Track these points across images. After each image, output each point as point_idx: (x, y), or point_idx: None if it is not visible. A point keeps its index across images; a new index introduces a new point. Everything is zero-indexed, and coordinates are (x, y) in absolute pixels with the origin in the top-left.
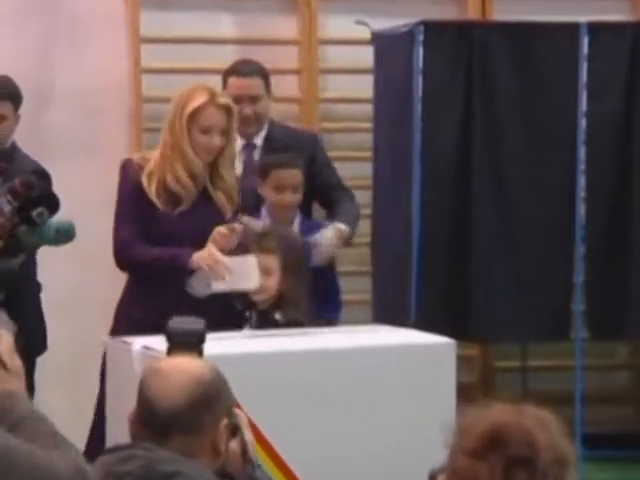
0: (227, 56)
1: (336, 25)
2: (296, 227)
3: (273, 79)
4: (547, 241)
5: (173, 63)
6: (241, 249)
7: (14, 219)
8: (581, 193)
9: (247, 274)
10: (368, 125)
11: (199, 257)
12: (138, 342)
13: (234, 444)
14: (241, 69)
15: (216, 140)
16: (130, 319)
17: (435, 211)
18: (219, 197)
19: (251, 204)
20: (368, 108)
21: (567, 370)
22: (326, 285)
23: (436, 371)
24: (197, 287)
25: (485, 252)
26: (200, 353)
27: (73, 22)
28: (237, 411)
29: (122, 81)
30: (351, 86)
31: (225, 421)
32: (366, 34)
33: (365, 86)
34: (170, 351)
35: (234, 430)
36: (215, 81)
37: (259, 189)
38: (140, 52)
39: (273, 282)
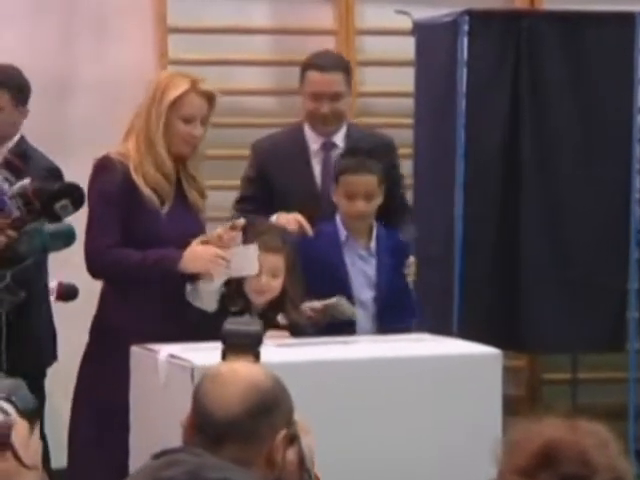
0: (259, 47)
1: (375, 14)
2: (374, 240)
3: None
4: (600, 245)
5: (202, 54)
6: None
7: (25, 221)
8: (636, 194)
9: (247, 262)
10: (408, 121)
11: (196, 259)
12: (164, 350)
13: (291, 454)
14: (321, 63)
15: (198, 130)
16: (108, 330)
17: (479, 213)
18: (192, 195)
19: (330, 211)
20: (409, 102)
21: (620, 383)
22: (402, 293)
23: (481, 383)
24: (206, 299)
25: (533, 256)
26: (257, 356)
27: (97, 11)
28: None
29: (148, 73)
30: (391, 79)
31: (284, 431)
32: (407, 24)
33: (405, 79)
34: (225, 353)
35: (292, 439)
36: (246, 73)
37: (333, 196)
38: (167, 43)
39: (278, 283)
